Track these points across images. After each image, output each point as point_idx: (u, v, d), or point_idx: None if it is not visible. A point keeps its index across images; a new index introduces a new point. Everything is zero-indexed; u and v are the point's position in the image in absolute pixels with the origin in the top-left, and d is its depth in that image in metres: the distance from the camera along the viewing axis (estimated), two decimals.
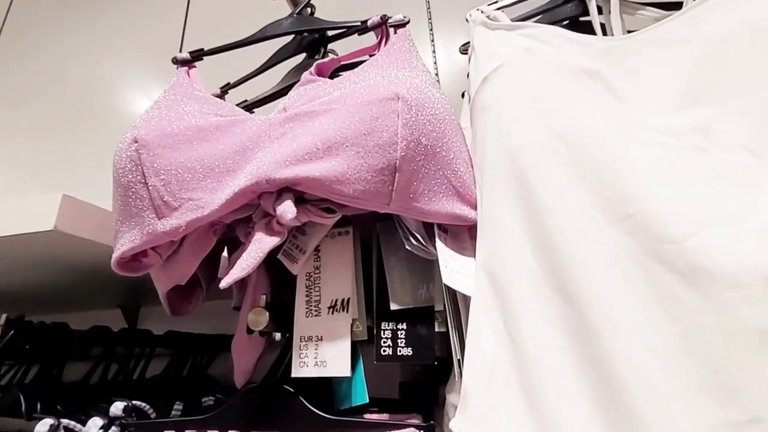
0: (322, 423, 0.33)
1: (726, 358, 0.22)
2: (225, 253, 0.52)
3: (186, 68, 0.46)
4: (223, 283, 0.32)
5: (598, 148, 0.28)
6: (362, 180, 0.31)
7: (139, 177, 0.34)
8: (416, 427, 0.31)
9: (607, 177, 0.27)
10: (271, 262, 0.42)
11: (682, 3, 0.40)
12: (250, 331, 0.37)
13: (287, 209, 0.32)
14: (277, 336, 0.44)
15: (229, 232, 0.43)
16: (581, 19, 0.46)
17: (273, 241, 0.33)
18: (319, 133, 0.32)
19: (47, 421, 0.32)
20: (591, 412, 0.24)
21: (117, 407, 0.38)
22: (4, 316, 0.42)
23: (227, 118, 0.36)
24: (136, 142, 0.34)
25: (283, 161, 0.32)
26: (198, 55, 0.47)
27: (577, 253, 0.26)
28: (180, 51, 1.12)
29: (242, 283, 0.48)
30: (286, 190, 0.33)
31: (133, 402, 0.39)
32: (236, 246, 0.50)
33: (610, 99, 0.32)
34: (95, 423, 0.36)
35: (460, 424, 0.27)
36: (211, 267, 0.49)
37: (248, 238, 0.39)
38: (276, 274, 0.43)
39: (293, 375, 0.34)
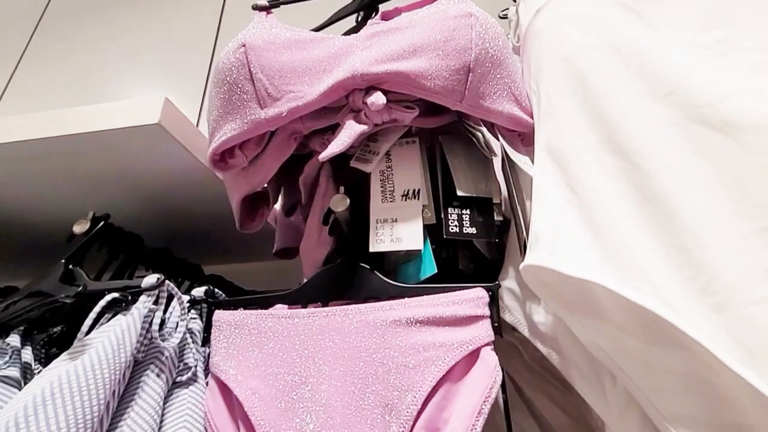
0: (399, 291, 0.37)
1: (755, 184, 0.28)
2: (277, 205, 0.57)
3: (264, 13, 0.53)
4: (323, 156, 0.37)
5: (645, 51, 0.35)
6: (441, 77, 0.37)
7: (245, 73, 0.39)
8: (484, 287, 0.35)
9: (652, 69, 0.33)
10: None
11: None
12: (326, 221, 0.42)
13: (378, 98, 0.37)
14: None
15: (301, 149, 0.48)
16: None
17: (362, 127, 0.38)
18: (405, 39, 0.38)
19: (154, 275, 0.35)
20: (647, 231, 0.29)
21: (199, 291, 0.42)
22: (91, 212, 0.46)
23: (317, 35, 0.42)
24: (243, 45, 0.40)
25: (375, 60, 0.38)
26: (275, 3, 0.54)
27: (629, 121, 0.32)
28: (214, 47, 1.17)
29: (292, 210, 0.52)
30: (372, 88, 0.39)
31: (210, 287, 0.42)
32: (292, 184, 0.55)
33: (644, 26, 0.39)
34: (184, 298, 0.39)
35: (533, 255, 0.32)
36: (276, 191, 0.54)
37: (322, 147, 0.44)
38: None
39: (371, 250, 0.39)
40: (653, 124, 0.32)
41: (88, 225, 0.44)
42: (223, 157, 0.44)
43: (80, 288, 0.34)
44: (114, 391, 0.31)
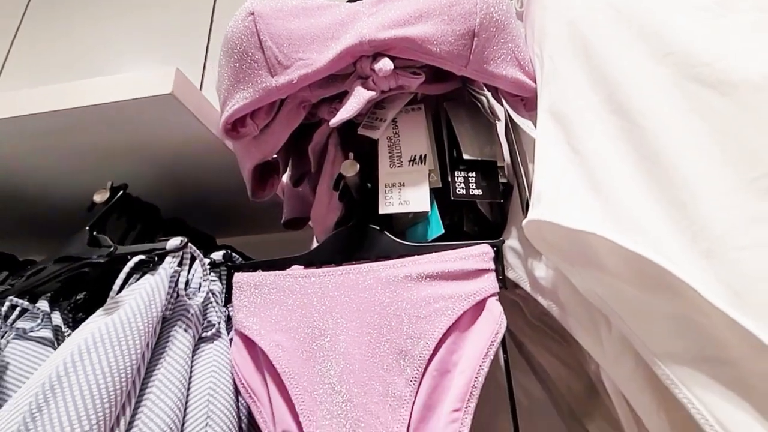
0: (409, 249, 0.39)
1: (750, 140, 0.29)
2: (285, 176, 0.59)
3: None
4: (334, 121, 0.38)
5: (648, 13, 0.35)
6: (447, 42, 0.38)
7: (255, 41, 0.40)
8: (489, 243, 0.38)
9: (653, 30, 0.34)
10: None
11: None
12: (336, 187, 0.43)
13: (386, 64, 0.38)
14: None
15: (310, 118, 0.50)
16: None
17: (370, 93, 0.39)
18: (411, 5, 0.39)
19: (177, 238, 0.37)
20: (646, 189, 0.30)
21: (218, 254, 0.44)
22: (109, 183, 0.48)
23: (324, 3, 0.43)
24: (252, 14, 0.40)
25: (381, 26, 0.38)
26: None
27: (630, 81, 0.33)
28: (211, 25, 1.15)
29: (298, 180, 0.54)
30: (379, 54, 0.40)
31: (228, 251, 0.44)
32: (300, 155, 0.56)
33: None
34: (205, 260, 0.41)
35: (535, 212, 0.33)
36: (285, 161, 0.55)
37: (331, 115, 0.45)
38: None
39: (381, 212, 0.40)
40: (653, 85, 0.33)
41: (107, 194, 0.46)
42: (235, 126, 0.45)
43: (111, 249, 0.36)
44: (147, 343, 0.33)
